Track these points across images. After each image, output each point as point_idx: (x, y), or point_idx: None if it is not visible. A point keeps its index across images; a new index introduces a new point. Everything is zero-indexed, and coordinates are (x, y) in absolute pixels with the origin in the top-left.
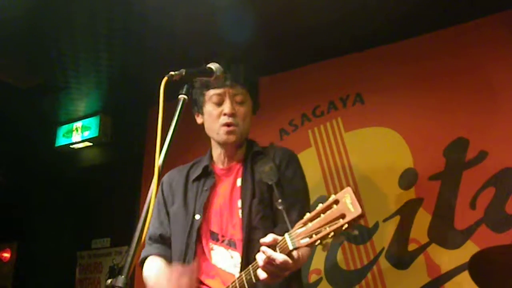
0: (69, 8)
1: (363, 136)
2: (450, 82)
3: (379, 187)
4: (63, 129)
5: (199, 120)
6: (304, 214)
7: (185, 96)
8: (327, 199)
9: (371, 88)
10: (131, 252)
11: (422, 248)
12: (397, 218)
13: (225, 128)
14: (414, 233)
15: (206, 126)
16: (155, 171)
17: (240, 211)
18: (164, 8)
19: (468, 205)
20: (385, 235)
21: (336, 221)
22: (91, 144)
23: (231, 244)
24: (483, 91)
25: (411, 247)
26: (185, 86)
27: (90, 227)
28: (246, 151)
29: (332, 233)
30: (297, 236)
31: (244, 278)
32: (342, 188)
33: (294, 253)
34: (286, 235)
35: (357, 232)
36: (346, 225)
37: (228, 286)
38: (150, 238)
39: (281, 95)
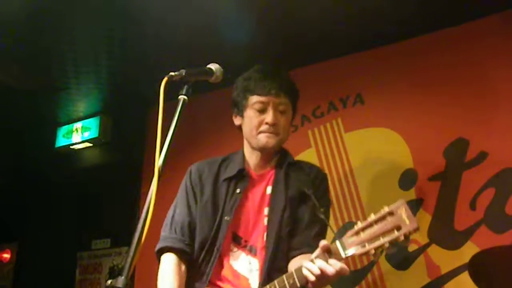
0: (69, 9)
1: (363, 137)
2: (450, 83)
3: (379, 188)
4: (63, 129)
5: (237, 121)
6: (322, 233)
7: (185, 97)
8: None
9: (371, 89)
10: (131, 253)
11: (422, 249)
12: None
13: (266, 133)
14: (414, 234)
15: (245, 130)
16: (155, 172)
17: (266, 219)
18: (164, 9)
19: (468, 206)
20: None
21: (391, 233)
22: (91, 144)
23: (251, 250)
24: (483, 92)
25: (411, 247)
26: (185, 87)
27: (90, 228)
28: (279, 159)
29: (387, 244)
30: (349, 245)
31: (286, 283)
32: (342, 189)
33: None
34: (337, 242)
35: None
36: (402, 237)
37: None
38: (176, 224)
39: None
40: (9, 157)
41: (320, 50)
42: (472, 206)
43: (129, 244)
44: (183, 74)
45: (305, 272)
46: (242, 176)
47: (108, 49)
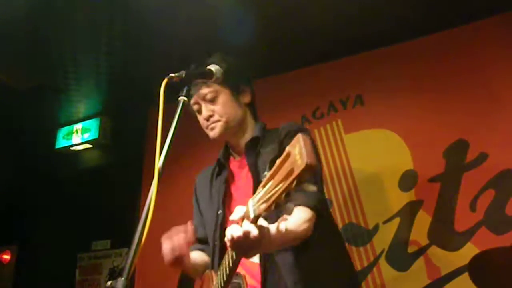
0: (69, 10)
1: (363, 138)
2: (450, 84)
3: (379, 189)
4: (63, 131)
5: None
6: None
7: (185, 98)
8: (329, 202)
9: (371, 90)
10: (131, 254)
11: (422, 250)
12: (397, 220)
13: (209, 128)
14: (414, 235)
15: None
16: (155, 173)
17: None
18: (164, 10)
19: (468, 207)
20: (385, 237)
21: (286, 179)
22: (91, 146)
23: None
24: (483, 93)
25: (411, 249)
26: (185, 88)
27: (90, 229)
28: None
29: (283, 194)
30: (258, 201)
31: (229, 256)
32: (342, 190)
33: (264, 222)
34: (250, 201)
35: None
36: (295, 181)
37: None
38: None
39: (281, 97)
40: (9, 158)
41: (320, 51)
42: (472, 207)
43: (129, 245)
44: (183, 75)
45: (226, 240)
46: (223, 167)
47: (108, 51)
